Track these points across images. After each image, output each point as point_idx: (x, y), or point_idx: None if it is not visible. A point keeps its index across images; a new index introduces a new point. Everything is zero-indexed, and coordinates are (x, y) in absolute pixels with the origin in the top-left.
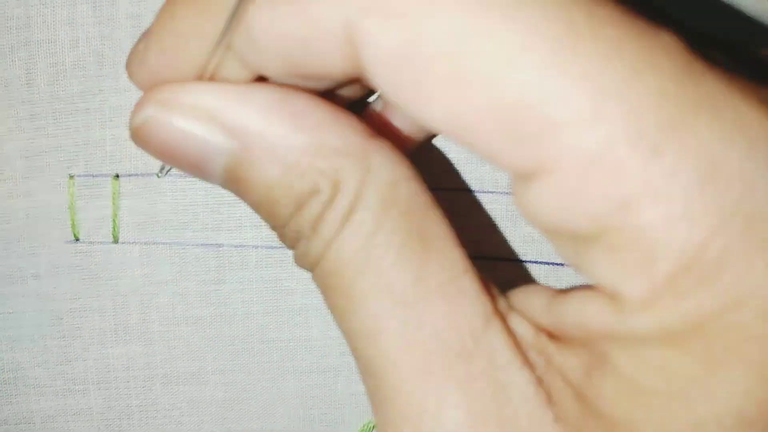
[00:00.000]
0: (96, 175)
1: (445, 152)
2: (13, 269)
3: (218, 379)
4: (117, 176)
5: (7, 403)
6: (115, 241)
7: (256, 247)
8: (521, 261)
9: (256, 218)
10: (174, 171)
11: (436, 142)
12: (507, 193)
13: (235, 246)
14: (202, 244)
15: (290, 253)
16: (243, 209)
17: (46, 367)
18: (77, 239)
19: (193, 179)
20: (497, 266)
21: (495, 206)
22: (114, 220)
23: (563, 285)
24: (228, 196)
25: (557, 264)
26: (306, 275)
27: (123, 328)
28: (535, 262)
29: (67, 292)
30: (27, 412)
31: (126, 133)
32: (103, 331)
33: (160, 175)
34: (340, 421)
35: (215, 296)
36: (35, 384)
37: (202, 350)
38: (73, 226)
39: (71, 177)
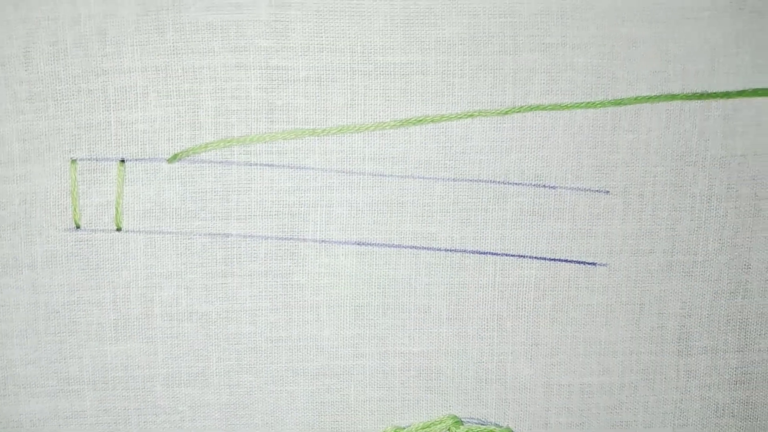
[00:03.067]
0: (100, 160)
1: (466, 140)
2: (6, 258)
3: (223, 380)
4: (123, 161)
5: None
6: (119, 229)
7: (266, 237)
8: (549, 259)
9: (266, 207)
10: (186, 156)
11: (456, 128)
12: (534, 184)
13: (244, 236)
14: (209, 234)
15: (302, 244)
16: (254, 197)
17: (38, 365)
18: (78, 227)
19: (204, 164)
20: (522, 264)
21: (521, 199)
22: (117, 207)
23: (596, 286)
24: (239, 182)
25: (588, 263)
26: (318, 269)
27: (123, 323)
28: (564, 261)
29: (64, 284)
30: (15, 414)
31: (132, 116)
32: (102, 326)
33: (171, 161)
34: (352, 429)
35: (222, 290)
36: (26, 383)
37: (206, 349)
38: (74, 212)
39: (73, 161)
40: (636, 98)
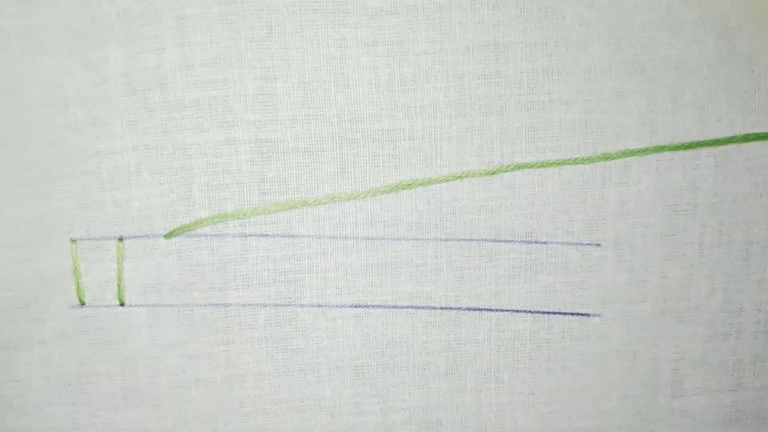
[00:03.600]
0: (98, 239)
1: (456, 201)
2: (17, 336)
3: None
4: (121, 239)
5: None
6: (121, 304)
7: (265, 305)
8: (543, 312)
9: (263, 276)
10: (182, 232)
11: (446, 190)
12: (526, 241)
13: (243, 305)
14: (209, 305)
15: (299, 310)
16: (250, 267)
17: None
18: (83, 303)
19: (200, 238)
20: (517, 318)
21: (513, 255)
22: (119, 283)
23: (589, 337)
24: (235, 254)
25: (582, 314)
26: (317, 333)
27: (132, 392)
28: (558, 313)
29: (73, 357)
30: None
31: (127, 195)
32: (112, 395)
33: (168, 237)
34: None
35: (224, 357)
36: None
37: (213, 413)
38: (77, 290)
39: (73, 241)
40: (624, 152)
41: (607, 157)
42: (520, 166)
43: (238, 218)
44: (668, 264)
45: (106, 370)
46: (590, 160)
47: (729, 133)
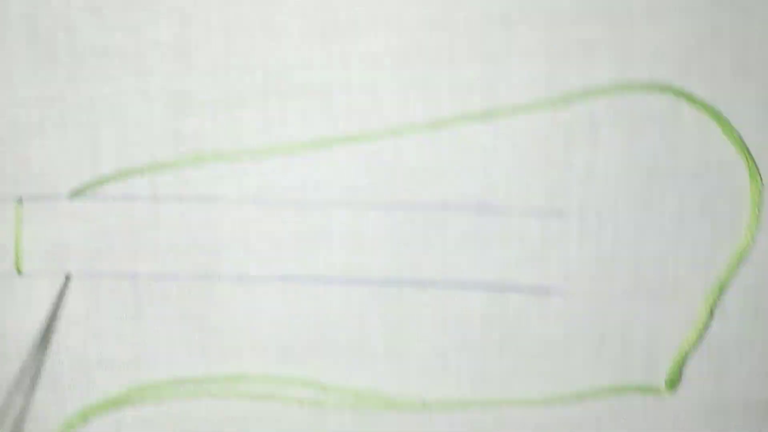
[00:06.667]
0: None
1: (398, 161)
2: None
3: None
4: (20, 200)
5: None
6: (19, 272)
7: (178, 277)
8: (496, 289)
9: (177, 244)
10: (86, 192)
11: (386, 149)
12: (477, 208)
13: (155, 276)
14: (117, 275)
15: (217, 283)
16: (162, 234)
17: None
18: None
19: (107, 200)
20: (467, 294)
21: (462, 224)
22: (17, 249)
23: (549, 317)
24: (145, 219)
25: (541, 292)
26: (236, 309)
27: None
28: (514, 290)
29: None
30: None
31: (28, 151)
32: (7, 377)
33: (71, 197)
34: None
35: (134, 335)
36: None
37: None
38: None
39: None
40: (587, 91)
41: (567, 98)
42: (466, 119)
43: (146, 173)
44: (642, 236)
45: (3, 351)
46: (547, 104)
47: (717, 90)
